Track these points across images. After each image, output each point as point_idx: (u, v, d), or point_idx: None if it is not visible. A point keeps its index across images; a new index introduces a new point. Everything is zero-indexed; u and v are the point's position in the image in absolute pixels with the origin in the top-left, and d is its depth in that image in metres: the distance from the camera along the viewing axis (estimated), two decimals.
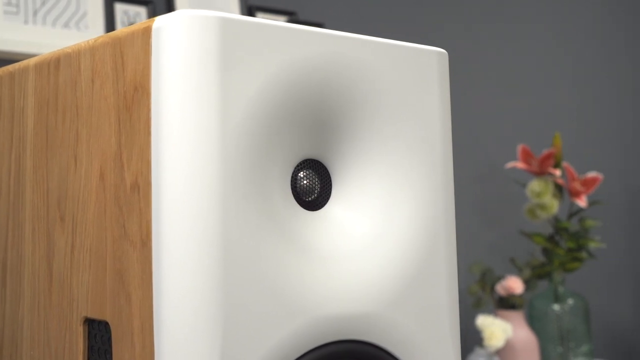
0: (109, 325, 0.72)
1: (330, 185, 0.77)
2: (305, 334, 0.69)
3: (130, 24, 1.78)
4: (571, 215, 2.09)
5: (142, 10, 1.80)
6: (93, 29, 1.72)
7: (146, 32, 0.68)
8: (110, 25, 1.74)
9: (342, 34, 0.73)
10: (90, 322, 0.75)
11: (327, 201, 0.76)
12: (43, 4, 1.67)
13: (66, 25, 1.70)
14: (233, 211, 0.66)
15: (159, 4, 1.83)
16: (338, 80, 0.73)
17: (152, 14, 1.80)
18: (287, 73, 0.70)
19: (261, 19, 0.69)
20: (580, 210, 2.08)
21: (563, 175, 2.10)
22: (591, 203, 2.08)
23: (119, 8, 1.77)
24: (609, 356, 2.39)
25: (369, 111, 0.76)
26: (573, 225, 2.10)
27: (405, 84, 0.77)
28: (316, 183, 0.75)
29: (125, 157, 0.69)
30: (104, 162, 0.72)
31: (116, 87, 0.71)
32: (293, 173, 0.74)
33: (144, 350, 0.67)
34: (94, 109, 0.74)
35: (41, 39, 1.65)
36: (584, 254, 2.06)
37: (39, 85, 0.81)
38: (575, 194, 2.06)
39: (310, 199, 0.75)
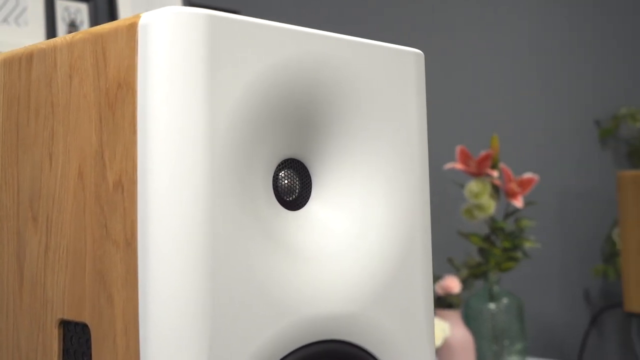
0: (87, 327, 0.71)
1: (310, 185, 0.76)
2: (291, 334, 0.69)
3: (72, 20, 1.74)
4: (507, 215, 2.13)
5: (83, 7, 1.76)
6: (33, 25, 1.69)
7: (131, 29, 0.66)
8: (50, 21, 1.71)
9: (324, 33, 0.73)
10: (65, 324, 0.73)
11: (307, 201, 0.76)
12: None
13: (5, 20, 1.66)
14: (221, 211, 0.65)
15: (100, 1, 1.80)
16: (320, 80, 0.73)
17: (94, 11, 1.77)
18: (272, 72, 0.69)
19: (247, 17, 0.69)
20: (516, 210, 2.11)
21: (500, 176, 2.14)
22: (527, 203, 2.12)
23: (60, 4, 1.74)
24: (541, 354, 2.44)
25: (348, 111, 0.76)
26: (509, 225, 2.13)
27: (384, 85, 0.78)
28: (296, 183, 0.75)
29: (108, 156, 0.68)
30: (83, 161, 0.71)
31: (97, 84, 0.69)
32: (274, 173, 0.74)
33: (128, 352, 0.66)
34: (71, 106, 0.72)
35: None
36: (519, 254, 2.10)
37: (8, 81, 0.79)
38: (512, 194, 2.09)
39: (290, 198, 0.75)
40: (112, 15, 1.80)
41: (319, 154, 0.76)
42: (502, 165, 2.11)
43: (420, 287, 0.79)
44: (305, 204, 0.76)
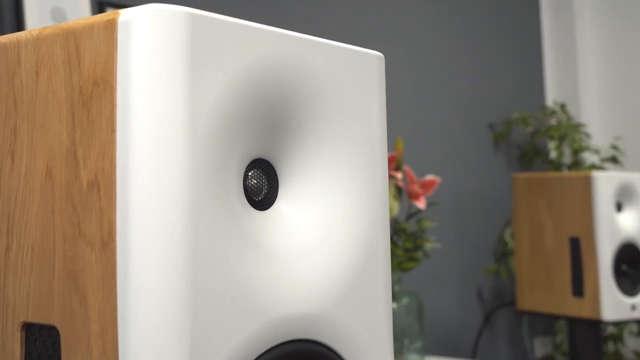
0: (55, 329, 0.69)
1: (277, 184, 0.77)
2: (265, 334, 0.69)
3: None
4: (409, 216, 2.17)
5: None
6: None
7: (110, 25, 0.65)
8: None
9: (294, 33, 0.74)
10: (29, 327, 0.71)
11: (274, 201, 0.76)
12: None
13: None
14: (201, 210, 0.65)
15: None
16: (289, 80, 0.74)
17: None
18: (249, 71, 0.69)
19: (226, 17, 0.68)
20: (417, 211, 2.16)
21: (403, 178, 2.18)
22: (429, 205, 2.17)
23: None
24: (439, 352, 2.50)
25: (315, 111, 0.76)
26: (411, 226, 2.17)
27: (350, 86, 0.79)
28: (264, 183, 0.75)
29: (81, 154, 0.66)
30: (51, 159, 0.69)
31: (69, 81, 0.68)
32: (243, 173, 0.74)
33: (105, 353, 0.64)
34: (38, 103, 0.70)
35: None
36: (420, 254, 2.15)
37: None
38: (414, 196, 2.13)
39: (258, 198, 0.75)
40: (18, 10, 1.75)
41: (285, 153, 0.76)
42: (405, 167, 2.15)
43: (381, 286, 0.80)
44: (272, 204, 0.76)
